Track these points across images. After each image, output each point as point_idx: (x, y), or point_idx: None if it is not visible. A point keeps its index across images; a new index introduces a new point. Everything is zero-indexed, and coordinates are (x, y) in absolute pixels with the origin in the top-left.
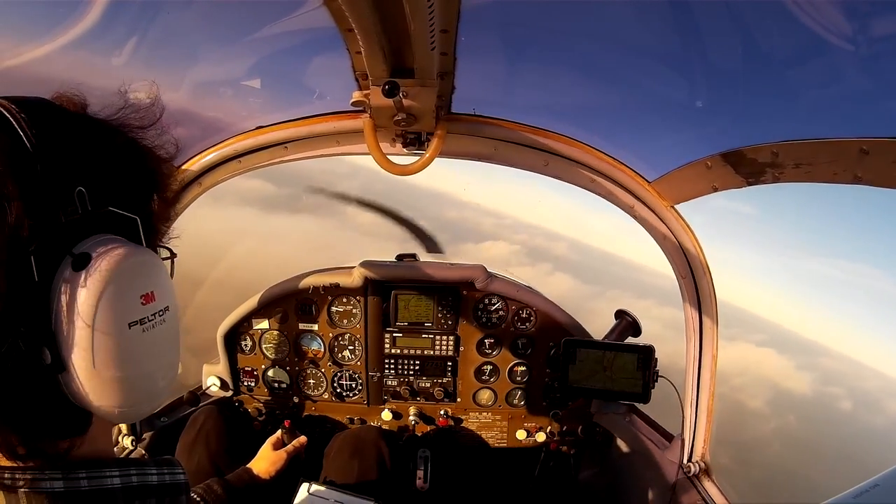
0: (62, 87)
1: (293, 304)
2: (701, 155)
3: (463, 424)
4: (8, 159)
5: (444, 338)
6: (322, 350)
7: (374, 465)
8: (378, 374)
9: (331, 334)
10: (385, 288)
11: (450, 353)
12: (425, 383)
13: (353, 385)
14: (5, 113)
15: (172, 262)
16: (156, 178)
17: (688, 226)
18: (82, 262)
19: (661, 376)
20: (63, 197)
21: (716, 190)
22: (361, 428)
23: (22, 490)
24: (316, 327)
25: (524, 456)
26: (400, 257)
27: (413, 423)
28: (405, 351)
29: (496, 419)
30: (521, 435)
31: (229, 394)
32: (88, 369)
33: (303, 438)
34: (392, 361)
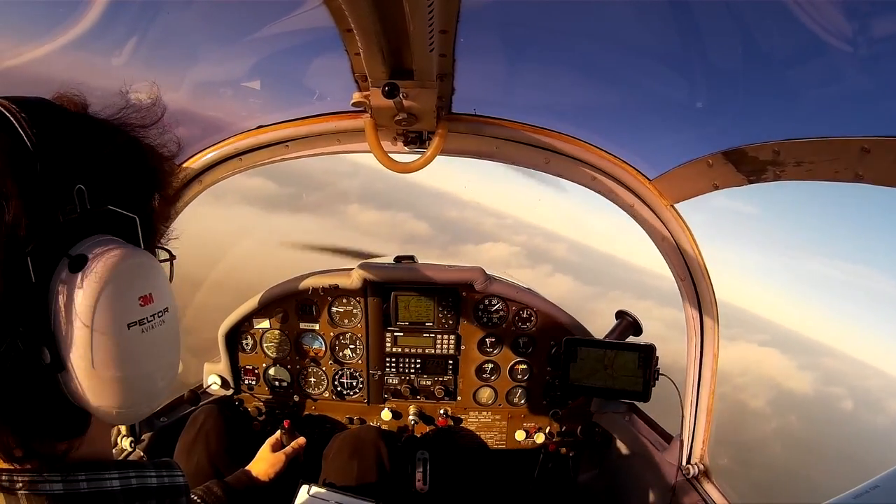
0: (63, 87)
1: (294, 304)
2: (702, 153)
3: (462, 425)
4: (7, 158)
5: (446, 337)
6: (323, 349)
7: (373, 466)
8: (379, 373)
9: (332, 334)
10: (384, 289)
11: (451, 351)
12: (426, 381)
13: (354, 383)
14: (5, 112)
15: (172, 264)
16: (157, 177)
17: (686, 226)
18: (79, 264)
19: (662, 374)
20: (62, 196)
21: (717, 188)
22: (360, 428)
23: (21, 492)
24: (317, 327)
25: (523, 457)
26: (398, 259)
27: (412, 422)
28: (406, 349)
29: (496, 419)
30: (520, 436)
31: (230, 392)
32: (87, 369)
33: (301, 440)
34: (393, 360)
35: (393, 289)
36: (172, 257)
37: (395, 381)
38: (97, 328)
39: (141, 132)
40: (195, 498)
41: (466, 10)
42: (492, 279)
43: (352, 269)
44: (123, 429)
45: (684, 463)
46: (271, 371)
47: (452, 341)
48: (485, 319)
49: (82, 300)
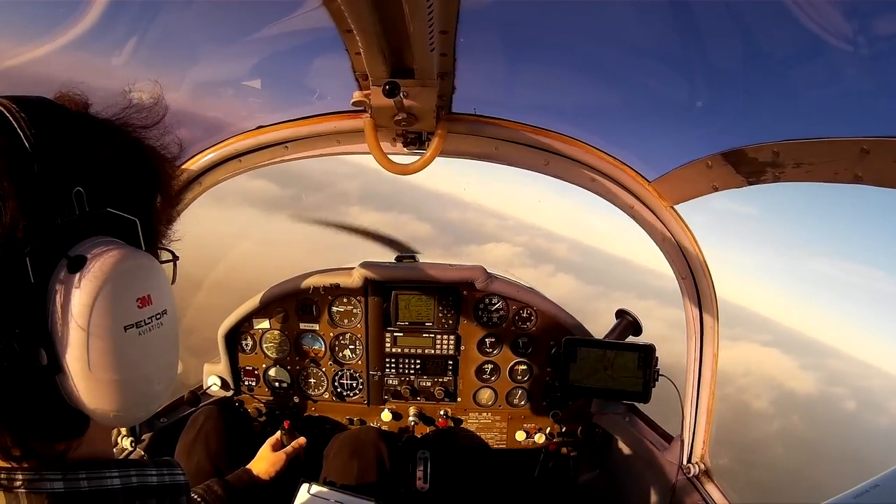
0: (64, 87)
1: (294, 304)
2: (701, 154)
3: (462, 425)
4: (5, 158)
5: (445, 337)
6: (323, 349)
7: (373, 466)
8: (379, 374)
9: (331, 334)
10: (385, 288)
11: (451, 352)
12: (426, 382)
13: (354, 384)
14: (5, 112)
15: (175, 265)
16: (158, 178)
17: (687, 226)
18: (77, 265)
19: (662, 375)
20: (60, 197)
21: (716, 189)
22: (361, 429)
23: (22, 490)
24: (317, 327)
25: (523, 457)
26: (399, 258)
27: (413, 423)
28: (406, 350)
29: (496, 420)
30: (520, 436)
31: (230, 393)
32: (84, 371)
33: (302, 440)
34: (393, 360)
35: (394, 288)
36: (175, 258)
37: (395, 382)
38: (93, 330)
39: (142, 133)
40: (195, 497)
41: (466, 10)
42: (493, 278)
43: (352, 267)
44: (124, 429)
45: (685, 463)
46: (271, 372)
47: (452, 342)
48: (485, 319)
49: (79, 301)
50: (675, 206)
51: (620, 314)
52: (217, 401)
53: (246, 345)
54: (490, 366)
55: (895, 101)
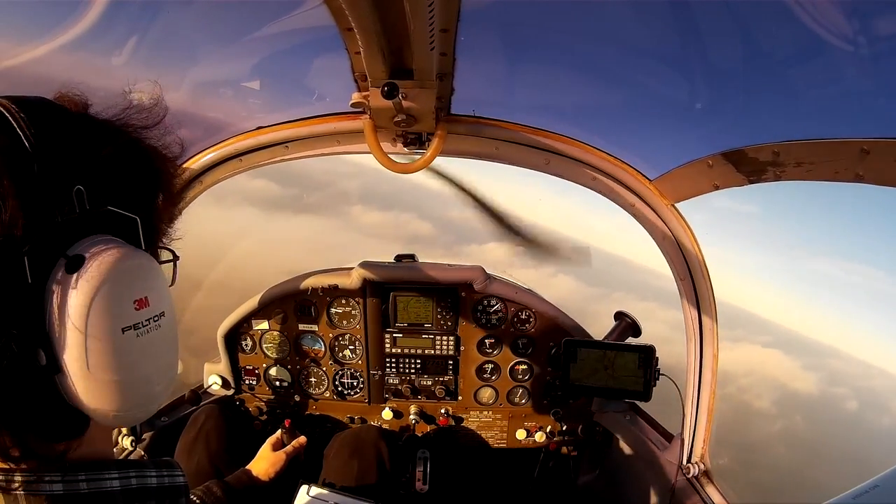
0: (63, 87)
1: (292, 304)
2: (702, 154)
3: (463, 424)
4: (5, 158)
5: (445, 338)
6: (323, 350)
7: (373, 466)
8: (379, 373)
9: (331, 335)
10: (384, 289)
11: (450, 352)
12: (427, 381)
13: (355, 383)
14: (4, 112)
15: (175, 265)
16: (159, 178)
17: (687, 226)
18: (76, 265)
19: (663, 374)
20: (60, 196)
21: (717, 188)
22: (361, 428)
23: (20, 492)
24: (316, 328)
25: (524, 456)
26: (399, 258)
27: (414, 422)
28: (406, 350)
29: (496, 418)
30: (520, 435)
31: (230, 392)
32: (82, 372)
33: (302, 439)
34: (393, 360)
35: (392, 289)
36: (176, 258)
37: (396, 382)
38: (91, 331)
39: (143, 133)
40: (195, 498)
41: (467, 9)
42: (491, 279)
43: (351, 268)
44: (125, 428)
45: (685, 461)
46: (272, 371)
47: (451, 342)
48: (483, 321)
49: (76, 302)
50: (676, 205)
51: (619, 316)
52: (218, 399)
53: (246, 345)
54: (490, 365)
55: (895, 101)
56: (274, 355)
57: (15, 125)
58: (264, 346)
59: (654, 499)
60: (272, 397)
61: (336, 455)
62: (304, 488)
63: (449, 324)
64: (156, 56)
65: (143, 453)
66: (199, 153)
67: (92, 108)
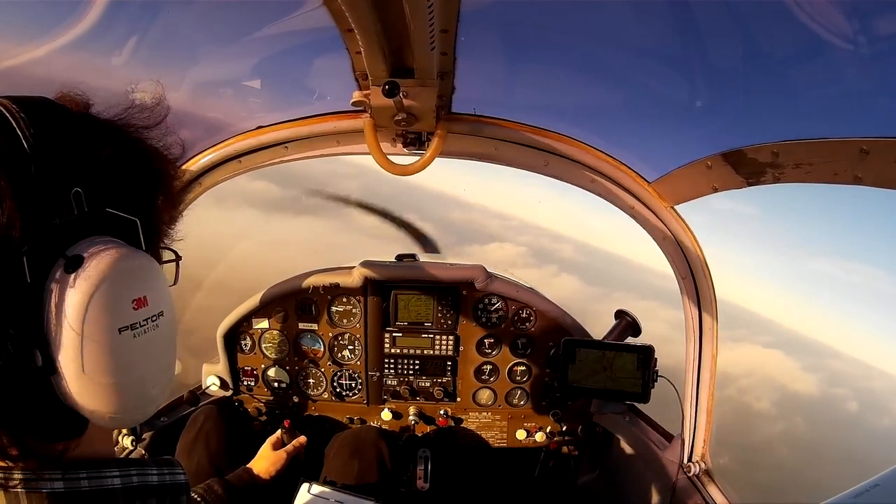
0: (65, 87)
1: (293, 303)
2: (701, 155)
3: (463, 424)
4: (3, 158)
5: (444, 338)
6: (322, 350)
7: (373, 465)
8: (378, 374)
9: (330, 334)
10: (385, 288)
11: (449, 352)
12: (425, 383)
13: (353, 385)
14: (4, 112)
15: (177, 265)
16: (160, 179)
17: (687, 226)
18: (74, 265)
19: (661, 376)
20: (58, 197)
21: (716, 190)
22: (361, 428)
23: (21, 490)
24: (316, 327)
25: (524, 456)
26: (400, 257)
27: (413, 422)
28: (405, 351)
29: (496, 419)
30: (520, 435)
31: (229, 393)
32: (78, 373)
33: (302, 438)
34: (392, 361)
35: (394, 287)
36: (178, 258)
37: (394, 383)
38: (87, 332)
39: (143, 133)
40: (196, 496)
41: (466, 10)
42: (493, 277)
43: (352, 267)
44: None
45: (685, 461)
46: (270, 372)
47: (451, 342)
48: (484, 319)
49: (73, 302)
50: (676, 207)
51: (620, 315)
52: (217, 400)
53: (245, 345)
54: (489, 366)
55: (895, 101)
56: (273, 356)
57: (14, 125)
58: (263, 346)
59: (655, 498)
60: (271, 398)
61: (336, 455)
62: (305, 486)
63: (449, 322)
64: (156, 56)
65: (143, 452)
66: (198, 154)
67: (93, 108)
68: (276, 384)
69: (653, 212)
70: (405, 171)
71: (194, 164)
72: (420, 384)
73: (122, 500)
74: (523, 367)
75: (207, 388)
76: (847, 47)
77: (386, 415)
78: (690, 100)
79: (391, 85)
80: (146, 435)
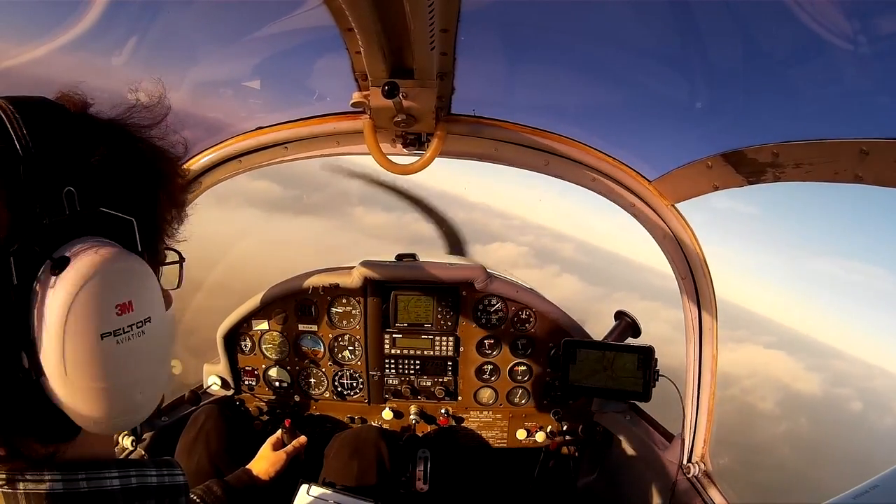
0: (65, 87)
1: (293, 304)
2: (701, 155)
3: (464, 423)
4: None
5: (444, 338)
6: (322, 350)
7: (373, 466)
8: (379, 374)
9: (330, 335)
10: (385, 288)
11: (450, 353)
12: (426, 382)
13: (354, 384)
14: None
15: (181, 267)
16: (159, 179)
17: (688, 225)
18: (60, 266)
19: (662, 375)
20: (50, 197)
21: (716, 189)
22: (361, 428)
23: (21, 491)
24: (316, 328)
25: (524, 456)
26: (400, 257)
27: (414, 422)
28: (405, 351)
29: (497, 418)
30: (521, 435)
31: (230, 393)
32: (62, 377)
33: (302, 438)
34: (392, 361)
35: (393, 288)
36: (182, 259)
37: (395, 382)
38: (69, 335)
39: (142, 132)
40: (195, 497)
41: (466, 9)
42: (492, 277)
43: (352, 267)
44: None
45: (685, 461)
46: (271, 372)
47: (451, 343)
48: (483, 320)
49: (56, 305)
50: (676, 205)
51: (619, 315)
52: (218, 399)
53: (245, 346)
54: (490, 366)
55: (895, 101)
56: (273, 356)
57: (7, 124)
58: (263, 346)
59: (654, 499)
60: (272, 397)
61: (336, 455)
62: (304, 487)
63: (449, 324)
64: (156, 56)
65: (143, 453)
66: (197, 154)
67: (94, 108)
68: (277, 384)
69: (653, 209)
70: (405, 170)
71: (194, 164)
72: (421, 383)
73: (121, 500)
74: (524, 367)
75: (209, 387)
76: (847, 47)
77: (387, 414)
78: (690, 100)
79: (391, 86)
80: (146, 435)
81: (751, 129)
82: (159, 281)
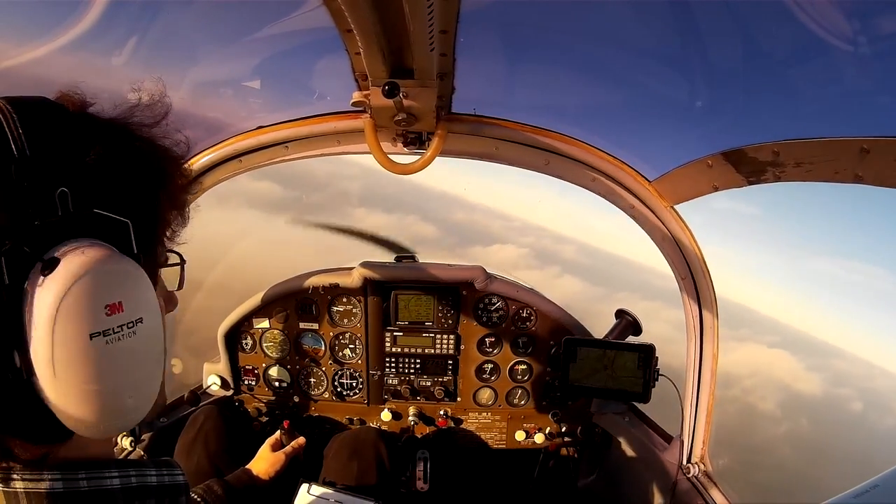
0: (65, 87)
1: (293, 303)
2: (701, 154)
3: (462, 425)
4: None
5: (445, 336)
6: (323, 349)
7: (372, 466)
8: (379, 373)
9: (331, 333)
10: (385, 288)
11: (450, 351)
12: (426, 382)
13: (354, 384)
14: None
15: (182, 269)
16: (158, 179)
17: (686, 226)
18: (49, 267)
19: (662, 374)
20: (42, 198)
21: (716, 189)
22: (360, 429)
23: (21, 490)
24: (316, 326)
25: (523, 457)
26: (399, 258)
27: (412, 423)
28: (406, 349)
29: (496, 420)
30: (520, 436)
31: (230, 393)
32: (51, 377)
33: (301, 440)
34: (393, 360)
35: (393, 287)
36: (183, 261)
37: (395, 382)
38: (57, 336)
39: (143, 131)
40: (195, 497)
41: (466, 10)
42: (492, 278)
43: (352, 267)
44: None
45: (685, 462)
46: (271, 371)
47: (452, 341)
48: (484, 319)
49: (44, 305)
50: (675, 206)
51: (620, 314)
52: (217, 400)
53: (246, 344)
54: (490, 365)
55: (895, 101)
56: (274, 355)
57: (3, 125)
58: (264, 345)
59: (654, 500)
60: (271, 398)
61: (335, 456)
62: (304, 487)
63: (450, 322)
64: (156, 56)
65: (142, 453)
66: (198, 154)
67: (95, 108)
68: (277, 383)
69: (652, 211)
70: (405, 169)
71: (194, 164)
72: (421, 383)
73: (121, 500)
74: (524, 366)
75: (208, 387)
76: (847, 47)
77: (386, 415)
78: (691, 100)
79: (391, 85)
80: (145, 436)
81: (751, 128)
82: (157, 283)
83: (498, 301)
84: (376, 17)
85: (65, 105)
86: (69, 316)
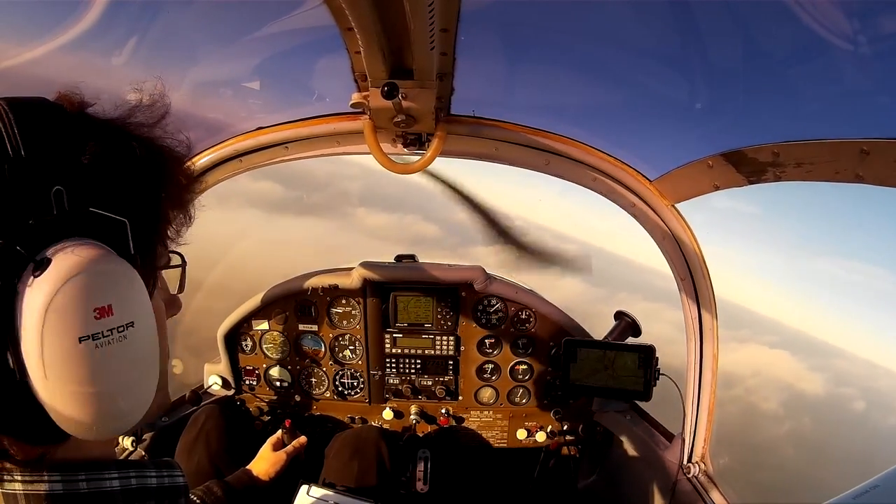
0: (65, 87)
1: (293, 304)
2: (702, 155)
3: (464, 423)
4: None
5: (445, 338)
6: (323, 350)
7: (373, 466)
8: (380, 373)
9: (331, 335)
10: (384, 289)
11: (450, 352)
12: (427, 381)
13: (355, 383)
14: None
15: (183, 270)
16: (158, 179)
17: (687, 225)
18: (40, 267)
19: (663, 374)
20: (36, 197)
21: (717, 188)
22: (362, 428)
23: (20, 492)
24: (316, 328)
25: (525, 456)
26: (399, 258)
27: (414, 422)
28: (406, 350)
29: (497, 418)
30: (521, 434)
31: (231, 392)
32: (42, 379)
33: (303, 439)
34: (393, 361)
35: (392, 289)
36: (184, 263)
37: (396, 382)
38: (47, 337)
39: (143, 131)
40: (195, 498)
41: (467, 9)
42: (491, 279)
43: (352, 268)
44: None
45: (685, 461)
46: (272, 371)
47: (451, 342)
48: (484, 320)
49: (34, 306)
50: (677, 205)
51: (619, 315)
52: (218, 399)
53: (246, 345)
54: (490, 365)
55: (895, 101)
56: (274, 356)
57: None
58: (264, 346)
59: (655, 499)
60: (273, 397)
61: (336, 455)
62: (304, 488)
63: (449, 324)
64: (156, 56)
65: (143, 453)
66: (198, 154)
67: (95, 108)
68: (278, 383)
69: (653, 209)
70: (405, 169)
71: (194, 164)
72: (422, 382)
73: (121, 501)
74: (525, 366)
75: (209, 387)
76: (847, 47)
77: (387, 414)
78: (691, 100)
79: (390, 86)
80: (146, 436)
81: (751, 128)
82: (157, 285)
83: (497, 303)
84: (377, 14)
85: (63, 105)
86: (58, 318)
